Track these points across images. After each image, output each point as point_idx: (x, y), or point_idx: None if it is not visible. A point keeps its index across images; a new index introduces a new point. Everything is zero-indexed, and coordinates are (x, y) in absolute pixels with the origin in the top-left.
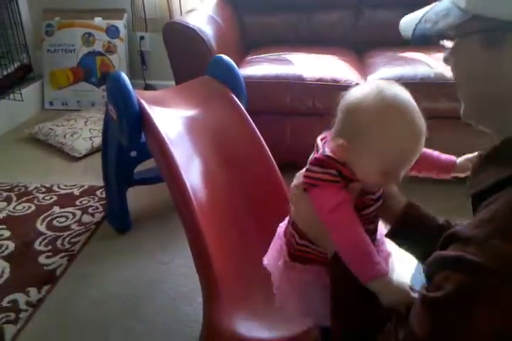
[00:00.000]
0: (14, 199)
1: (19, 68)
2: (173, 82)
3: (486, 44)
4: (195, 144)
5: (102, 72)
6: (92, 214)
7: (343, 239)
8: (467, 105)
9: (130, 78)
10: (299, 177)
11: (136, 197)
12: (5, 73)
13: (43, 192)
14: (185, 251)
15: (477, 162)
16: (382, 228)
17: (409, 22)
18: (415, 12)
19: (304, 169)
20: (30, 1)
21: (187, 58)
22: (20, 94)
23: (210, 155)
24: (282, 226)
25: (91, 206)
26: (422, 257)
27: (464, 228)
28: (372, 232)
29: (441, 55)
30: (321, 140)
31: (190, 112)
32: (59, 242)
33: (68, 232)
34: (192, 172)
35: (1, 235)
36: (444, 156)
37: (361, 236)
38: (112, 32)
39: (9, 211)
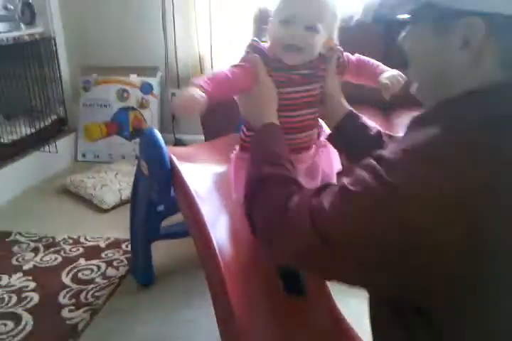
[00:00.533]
0: (42, 250)
1: (55, 121)
2: (201, 137)
3: (436, 30)
4: (224, 201)
5: (134, 126)
6: (117, 268)
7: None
8: (417, 81)
9: (161, 132)
10: None
11: (161, 251)
12: (42, 126)
13: (70, 244)
14: (210, 308)
15: (409, 123)
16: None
17: (369, 4)
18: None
19: None
20: (70, 59)
21: (217, 115)
22: (55, 146)
23: (237, 212)
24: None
25: (116, 259)
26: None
27: (387, 152)
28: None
29: None
30: None
31: (219, 169)
32: (83, 296)
33: (92, 285)
34: (219, 227)
35: (27, 286)
36: (381, 69)
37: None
38: (146, 88)
39: (36, 262)
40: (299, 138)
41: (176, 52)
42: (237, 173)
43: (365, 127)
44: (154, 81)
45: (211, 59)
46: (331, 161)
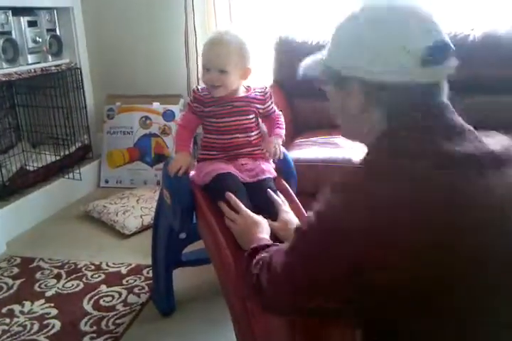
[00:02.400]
0: (64, 276)
1: (80, 148)
2: None
3: (338, 89)
4: None
5: (156, 152)
6: (138, 295)
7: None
8: (342, 128)
9: None
10: None
11: (183, 278)
12: (67, 153)
13: (91, 270)
14: (232, 337)
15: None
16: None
17: (304, 65)
18: (310, 58)
19: None
20: (95, 88)
21: None
22: (79, 173)
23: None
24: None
25: (137, 286)
26: None
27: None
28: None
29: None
30: None
31: None
32: (104, 323)
33: (113, 313)
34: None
35: (48, 313)
36: (274, 131)
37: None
38: (168, 115)
39: (58, 288)
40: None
41: (198, 79)
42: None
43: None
44: (177, 108)
45: None
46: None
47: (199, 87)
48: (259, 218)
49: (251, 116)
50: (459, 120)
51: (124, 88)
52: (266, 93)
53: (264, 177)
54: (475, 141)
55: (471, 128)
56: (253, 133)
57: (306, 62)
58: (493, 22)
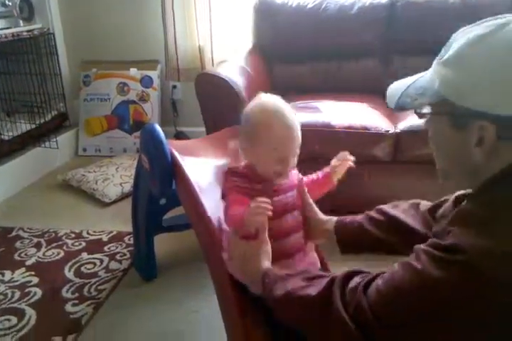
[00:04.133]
0: (44, 245)
1: (56, 117)
2: (203, 129)
3: (453, 125)
4: None
5: (134, 119)
6: (120, 261)
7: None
8: (439, 169)
9: (161, 125)
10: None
11: (164, 244)
12: (42, 121)
13: (72, 238)
14: (213, 300)
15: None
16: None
17: (394, 91)
18: (402, 80)
19: None
20: (69, 54)
21: (218, 108)
22: (56, 141)
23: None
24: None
25: (119, 252)
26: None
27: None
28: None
29: None
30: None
31: (221, 161)
32: (86, 289)
33: (95, 279)
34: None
35: (30, 282)
36: (320, 173)
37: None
38: (146, 82)
39: (38, 257)
40: (289, 243)
41: (175, 44)
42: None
43: (359, 223)
44: (154, 74)
45: (211, 50)
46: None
47: (235, 179)
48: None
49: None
50: None
51: (99, 54)
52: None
53: None
54: None
55: None
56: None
57: (400, 87)
58: None
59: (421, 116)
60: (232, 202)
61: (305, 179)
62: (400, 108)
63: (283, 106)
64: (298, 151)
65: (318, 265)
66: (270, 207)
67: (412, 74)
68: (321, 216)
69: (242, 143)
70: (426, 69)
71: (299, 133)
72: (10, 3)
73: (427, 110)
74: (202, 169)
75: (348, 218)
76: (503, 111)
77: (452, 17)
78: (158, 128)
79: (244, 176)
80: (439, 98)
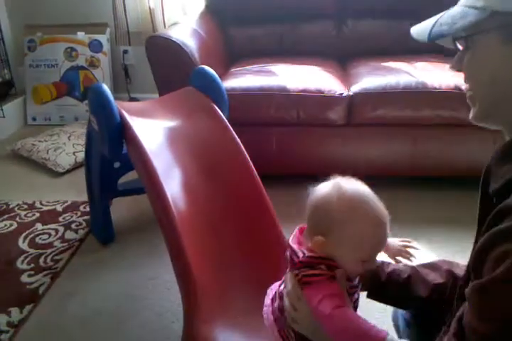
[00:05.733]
0: None
1: (1, 84)
2: (157, 95)
3: (506, 39)
4: (177, 155)
5: (85, 86)
6: (76, 231)
7: (336, 327)
8: (481, 106)
9: (114, 92)
10: (288, 281)
11: (120, 209)
12: None
13: (25, 209)
14: (169, 264)
15: (493, 158)
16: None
17: (422, 28)
18: (425, 21)
19: (291, 273)
20: (11, 17)
21: (170, 72)
22: (2, 110)
23: (191, 165)
24: (273, 289)
25: (74, 222)
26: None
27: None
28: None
29: (422, 65)
30: (293, 241)
31: (172, 123)
32: (42, 260)
33: (51, 250)
34: (173, 182)
35: None
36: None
37: (354, 319)
38: (95, 46)
39: None
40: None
41: (124, 6)
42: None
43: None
44: (103, 38)
45: (162, 12)
46: None
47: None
48: None
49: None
50: None
51: (44, 17)
52: None
53: None
54: None
55: None
56: None
57: (427, 24)
58: None
59: (461, 43)
60: (332, 295)
61: None
62: (435, 37)
63: (371, 195)
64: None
65: None
66: None
67: (367, 38)
68: None
69: (313, 232)
70: (381, 32)
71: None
72: None
73: (469, 32)
74: (153, 130)
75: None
76: None
77: None
78: (104, 87)
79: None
80: (484, 13)
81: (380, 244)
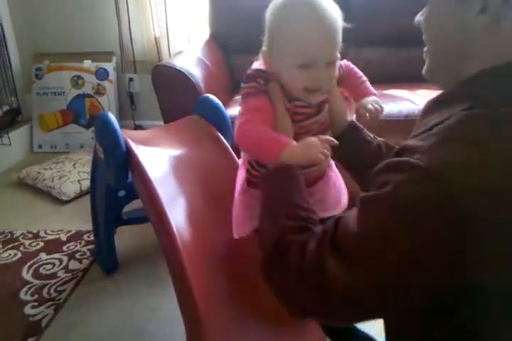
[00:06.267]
0: (0, 246)
1: (8, 112)
2: (162, 122)
3: None
4: (182, 183)
5: (91, 114)
6: (80, 260)
7: (239, 138)
8: (432, 60)
9: (120, 119)
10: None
11: (125, 237)
12: None
13: (29, 239)
14: (174, 295)
15: (425, 107)
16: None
17: None
18: None
19: None
20: (19, 46)
21: (175, 100)
22: (8, 138)
23: (196, 194)
24: (244, 156)
25: (78, 251)
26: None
27: (412, 141)
28: None
29: (424, 92)
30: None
31: (177, 151)
32: (45, 291)
33: (55, 280)
34: (178, 211)
35: None
36: (364, 88)
37: (258, 130)
38: (101, 74)
39: None
40: (313, 171)
41: (130, 35)
42: (243, 211)
43: (365, 141)
44: (110, 66)
45: (168, 41)
46: (339, 186)
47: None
48: None
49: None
50: None
51: (52, 45)
52: None
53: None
54: None
55: None
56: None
57: None
58: None
59: None
60: (249, 110)
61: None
62: None
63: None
64: (337, 57)
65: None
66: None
67: (369, 66)
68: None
69: (263, 45)
70: (382, 59)
71: (339, 29)
72: None
73: None
74: (158, 159)
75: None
76: None
77: (407, 6)
78: (111, 116)
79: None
80: None
81: (319, 49)
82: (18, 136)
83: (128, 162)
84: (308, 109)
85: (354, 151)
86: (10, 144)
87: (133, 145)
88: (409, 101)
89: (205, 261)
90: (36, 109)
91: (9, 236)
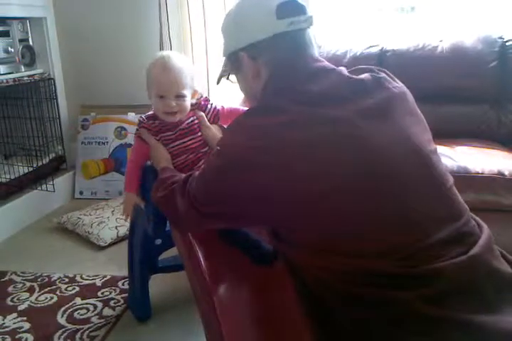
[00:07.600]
0: (37, 290)
1: (54, 159)
2: None
3: (236, 68)
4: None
5: None
6: (113, 308)
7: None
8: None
9: None
10: None
11: (159, 284)
12: (40, 164)
13: (65, 283)
14: None
15: None
16: None
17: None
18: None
19: None
20: (68, 98)
21: None
22: (53, 185)
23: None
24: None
25: (112, 298)
26: None
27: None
28: (196, 162)
29: (462, 148)
30: None
31: None
32: (78, 336)
33: (88, 325)
34: (214, 263)
35: (21, 327)
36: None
37: (130, 169)
38: None
39: (31, 302)
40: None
41: None
42: (138, 150)
43: None
44: None
45: (208, 95)
46: None
47: (143, 116)
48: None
49: (199, 134)
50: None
51: (98, 98)
52: (198, 103)
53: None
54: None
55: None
56: (203, 150)
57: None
58: (460, 33)
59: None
60: (133, 151)
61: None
62: (219, 78)
63: (172, 54)
64: (185, 93)
65: None
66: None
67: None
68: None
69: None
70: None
71: (184, 76)
72: (12, 50)
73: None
74: None
75: None
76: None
77: (440, 66)
78: (152, 168)
79: (148, 130)
80: (226, 59)
81: (164, 84)
82: (61, 183)
83: None
84: (171, 136)
85: None
86: (54, 191)
87: None
88: (448, 157)
89: (241, 315)
90: (80, 157)
91: (46, 279)
